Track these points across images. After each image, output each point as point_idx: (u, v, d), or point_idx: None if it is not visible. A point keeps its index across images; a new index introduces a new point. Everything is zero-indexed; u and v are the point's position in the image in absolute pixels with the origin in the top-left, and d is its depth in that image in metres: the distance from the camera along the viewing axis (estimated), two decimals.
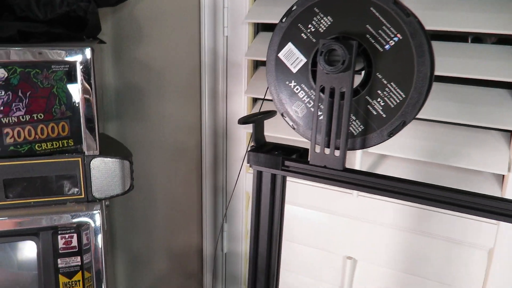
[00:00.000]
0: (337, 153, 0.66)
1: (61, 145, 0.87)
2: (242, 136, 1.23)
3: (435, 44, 0.80)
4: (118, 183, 0.92)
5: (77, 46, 0.83)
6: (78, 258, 0.90)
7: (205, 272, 1.42)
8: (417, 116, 0.64)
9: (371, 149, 1.01)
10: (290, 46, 0.69)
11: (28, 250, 0.87)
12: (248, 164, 0.74)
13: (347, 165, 0.67)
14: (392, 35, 0.62)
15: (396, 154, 1.02)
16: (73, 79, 0.84)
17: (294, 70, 0.69)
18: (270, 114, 0.81)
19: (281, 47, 0.69)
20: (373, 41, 0.63)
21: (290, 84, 0.70)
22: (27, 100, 0.84)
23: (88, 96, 0.86)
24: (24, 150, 0.85)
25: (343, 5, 0.64)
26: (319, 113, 0.67)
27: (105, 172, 0.90)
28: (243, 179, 1.27)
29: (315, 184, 1.14)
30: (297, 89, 0.70)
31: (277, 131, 1.06)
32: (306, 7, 0.67)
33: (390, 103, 0.64)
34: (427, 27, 0.62)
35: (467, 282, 1.05)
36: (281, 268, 0.78)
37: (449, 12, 0.92)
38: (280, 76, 0.70)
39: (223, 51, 1.18)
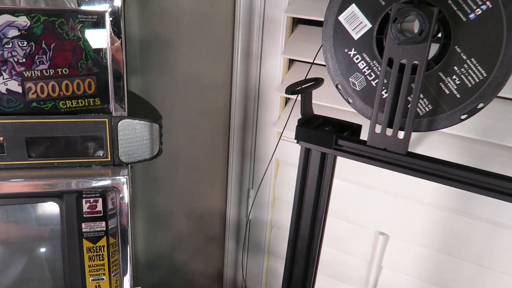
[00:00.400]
0: (399, 135, 0.59)
1: (87, 104, 0.81)
2: (276, 100, 1.15)
3: None
4: (147, 147, 0.86)
5: None
6: (103, 223, 0.85)
7: (227, 238, 1.38)
8: None
9: None
10: (353, 8, 0.60)
11: (51, 213, 0.83)
12: (295, 140, 0.67)
13: None
14: (480, 2, 0.53)
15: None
16: (101, 32, 0.76)
17: (356, 37, 0.60)
18: (319, 82, 0.73)
19: (342, 8, 0.60)
20: (455, 8, 0.54)
21: (349, 53, 0.61)
22: (51, 52, 0.76)
23: (117, 52, 0.78)
24: (47, 107, 0.79)
25: None
26: (383, 88, 0.59)
27: (133, 135, 0.83)
28: (274, 145, 1.20)
29: None
30: (357, 58, 0.61)
31: (318, 98, 0.98)
32: None
33: (467, 82, 0.55)
34: None
35: (508, 267, 0.99)
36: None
37: None
38: (339, 42, 0.62)
39: (261, 5, 1.08)
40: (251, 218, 1.32)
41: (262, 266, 1.36)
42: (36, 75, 0.76)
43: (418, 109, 0.59)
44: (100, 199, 0.84)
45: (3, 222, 0.84)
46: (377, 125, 0.60)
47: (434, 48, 0.56)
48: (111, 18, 0.76)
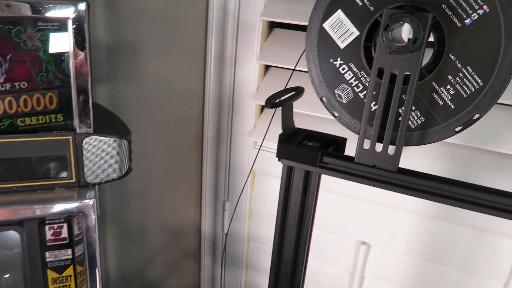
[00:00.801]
0: (389, 150, 0.55)
1: (48, 121, 0.74)
2: (251, 108, 1.10)
3: None
4: (115, 166, 0.79)
5: None
6: (69, 251, 0.78)
7: (203, 252, 1.32)
8: None
9: None
10: (339, 14, 0.55)
11: (12, 242, 0.75)
12: (277, 158, 0.62)
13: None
14: (476, 7, 0.49)
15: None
16: (63, 41, 0.70)
17: (342, 45, 0.56)
18: (299, 92, 0.68)
19: (328, 14, 0.56)
20: (450, 13, 0.50)
21: (335, 63, 0.57)
22: (7, 64, 0.69)
23: (81, 63, 0.71)
24: (4, 125, 0.71)
25: None
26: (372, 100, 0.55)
27: (99, 154, 0.77)
28: (249, 156, 1.15)
29: None
30: (343, 69, 0.57)
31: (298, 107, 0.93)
32: None
33: (462, 92, 0.52)
34: None
35: (492, 271, 0.97)
36: None
37: None
38: (323, 51, 0.57)
39: (235, 9, 1.02)
40: (228, 231, 1.27)
41: (241, 281, 1.31)
42: None
43: (409, 122, 0.55)
44: (65, 225, 0.77)
45: None
46: (365, 140, 0.56)
47: (426, 55, 0.53)
48: (74, 26, 0.69)
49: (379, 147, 0.56)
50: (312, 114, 0.98)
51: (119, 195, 1.31)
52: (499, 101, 0.51)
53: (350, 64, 0.56)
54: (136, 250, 1.48)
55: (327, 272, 1.17)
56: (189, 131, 1.20)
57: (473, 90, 0.51)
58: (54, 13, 0.67)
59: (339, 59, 0.57)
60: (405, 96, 0.53)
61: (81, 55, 0.70)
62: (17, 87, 0.70)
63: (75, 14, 0.68)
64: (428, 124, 0.54)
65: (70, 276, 0.78)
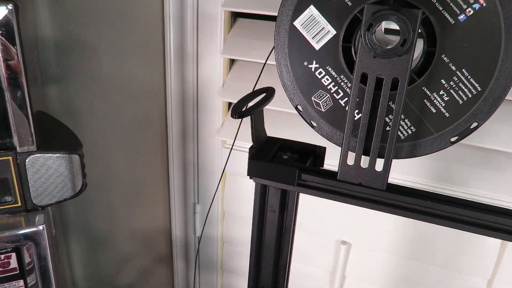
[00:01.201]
0: (377, 166, 0.48)
1: None
2: (217, 105, 1.02)
3: None
4: (66, 184, 0.70)
5: None
6: (21, 282, 0.69)
7: (175, 257, 1.24)
8: None
9: None
10: (312, 10, 0.47)
11: None
12: (248, 174, 0.54)
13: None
14: (472, 1, 0.42)
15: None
16: None
17: (317, 46, 0.48)
18: (270, 94, 0.61)
19: (298, 11, 0.48)
20: (441, 9, 0.43)
21: (310, 66, 0.49)
22: None
23: (14, 70, 0.61)
24: None
25: None
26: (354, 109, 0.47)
27: (46, 173, 0.67)
28: (218, 155, 1.07)
29: None
30: (320, 73, 0.49)
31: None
32: None
33: (457, 98, 0.45)
34: None
35: (476, 269, 0.94)
36: None
37: None
38: (296, 53, 0.49)
39: None
40: (200, 235, 1.19)
41: (217, 284, 1.25)
42: None
43: (398, 132, 0.48)
44: (14, 255, 0.68)
45: None
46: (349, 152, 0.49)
47: (415, 53, 0.46)
48: (1, 30, 0.59)
49: (364, 161, 0.49)
50: (284, 111, 0.91)
51: (82, 202, 1.21)
52: None
53: (327, 67, 0.49)
54: (104, 258, 1.39)
55: (307, 273, 1.12)
56: (153, 132, 1.11)
57: (470, 96, 0.45)
58: None
59: (314, 62, 0.49)
60: (392, 104, 0.46)
61: (14, 63, 0.60)
62: None
63: (0, 16, 0.58)
64: (420, 135, 0.47)
65: None
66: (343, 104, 0.50)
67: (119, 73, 1.06)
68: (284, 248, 0.55)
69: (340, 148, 0.49)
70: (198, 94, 1.02)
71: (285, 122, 0.93)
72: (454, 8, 0.43)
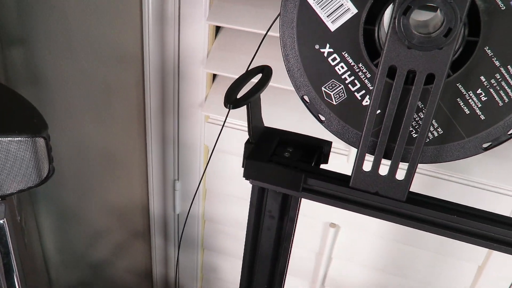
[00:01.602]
0: (398, 173, 0.41)
1: None
2: (201, 76, 0.92)
3: None
4: (30, 171, 0.61)
5: None
6: None
7: (153, 233, 1.18)
8: None
9: None
10: None
11: None
12: (244, 175, 0.47)
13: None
14: None
15: None
16: None
17: (333, 27, 0.40)
18: (267, 74, 0.52)
19: None
20: None
21: (322, 50, 0.41)
22: None
23: None
24: None
25: None
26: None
27: (6, 159, 0.58)
28: (201, 130, 0.99)
29: None
30: (333, 59, 0.41)
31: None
32: None
33: (497, 99, 0.38)
34: None
35: (468, 254, 0.90)
36: None
37: None
38: (306, 34, 0.41)
39: None
40: (180, 212, 1.12)
41: (197, 262, 1.19)
42: None
43: None
44: None
45: None
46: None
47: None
48: None
49: (383, 169, 0.42)
50: (281, 87, 0.82)
51: (53, 176, 1.12)
52: None
53: (343, 53, 0.41)
54: (77, 231, 1.31)
55: (292, 255, 1.07)
56: (129, 101, 1.01)
57: None
58: None
59: (327, 45, 0.41)
60: (421, 103, 0.38)
61: None
62: None
63: None
64: (448, 138, 0.40)
65: None
66: (359, 98, 0.42)
67: (89, 35, 0.95)
68: (281, 258, 0.49)
69: (357, 149, 0.42)
70: (179, 62, 0.93)
71: (283, 102, 0.85)
72: None
